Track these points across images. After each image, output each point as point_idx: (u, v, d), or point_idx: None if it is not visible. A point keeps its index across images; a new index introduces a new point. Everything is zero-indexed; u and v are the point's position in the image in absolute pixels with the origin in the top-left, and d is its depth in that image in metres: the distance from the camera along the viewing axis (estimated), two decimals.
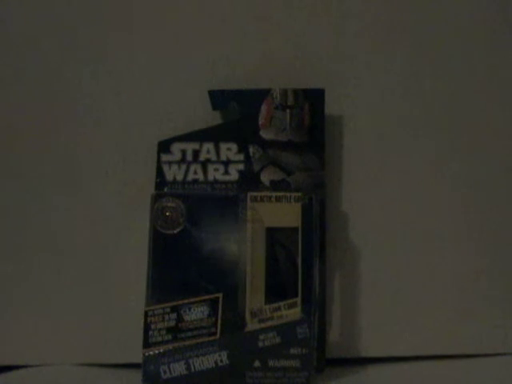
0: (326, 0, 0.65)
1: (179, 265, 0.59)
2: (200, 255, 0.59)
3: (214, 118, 0.63)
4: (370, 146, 0.64)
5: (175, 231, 0.59)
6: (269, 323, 0.58)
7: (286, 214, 0.59)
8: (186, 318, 0.58)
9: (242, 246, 0.59)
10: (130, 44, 0.65)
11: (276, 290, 0.58)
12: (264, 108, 0.62)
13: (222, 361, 0.58)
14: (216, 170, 0.61)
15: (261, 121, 0.62)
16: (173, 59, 0.65)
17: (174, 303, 0.58)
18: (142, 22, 0.65)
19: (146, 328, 0.58)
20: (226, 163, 0.61)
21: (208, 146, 0.62)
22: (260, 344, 0.58)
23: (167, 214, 0.59)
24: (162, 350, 0.58)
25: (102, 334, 0.63)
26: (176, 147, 0.61)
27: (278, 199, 0.59)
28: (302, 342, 0.58)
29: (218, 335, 0.58)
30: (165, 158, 0.61)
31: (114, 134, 0.64)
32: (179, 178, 0.61)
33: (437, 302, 0.63)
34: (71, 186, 0.64)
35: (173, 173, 0.61)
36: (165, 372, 0.58)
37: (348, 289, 0.63)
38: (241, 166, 0.61)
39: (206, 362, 0.57)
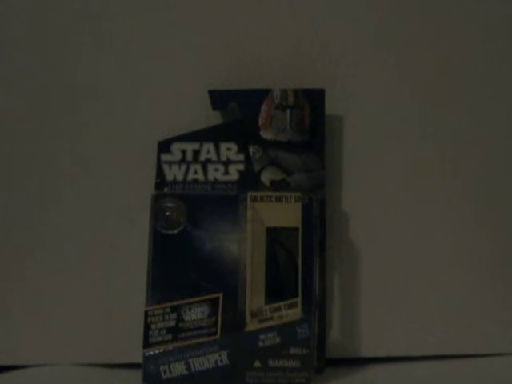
0: (326, 0, 0.65)
1: (179, 265, 0.59)
2: (200, 255, 0.59)
3: (214, 118, 0.63)
4: (369, 145, 0.64)
5: (175, 231, 0.59)
6: (269, 323, 0.58)
7: (286, 213, 0.59)
8: (186, 317, 0.58)
9: (242, 246, 0.59)
10: (130, 44, 0.65)
11: (276, 290, 0.59)
12: (264, 108, 0.62)
13: (222, 361, 0.58)
14: (216, 170, 0.61)
15: (261, 121, 0.62)
16: (173, 59, 0.65)
17: (174, 303, 0.58)
18: (143, 21, 0.65)
19: (146, 328, 0.58)
20: (226, 163, 0.61)
21: (208, 146, 0.61)
22: (260, 344, 0.58)
23: (167, 214, 0.59)
24: (162, 350, 0.58)
25: (102, 334, 0.63)
26: (176, 147, 0.61)
27: (278, 199, 0.59)
28: (302, 341, 0.58)
29: (218, 335, 0.58)
30: (165, 157, 0.61)
31: (114, 134, 0.64)
32: (179, 177, 0.61)
33: (437, 302, 0.63)
34: (71, 187, 0.64)
35: (173, 173, 0.61)
36: (165, 372, 0.58)
37: (348, 289, 0.63)
38: (241, 166, 0.61)
39: (206, 361, 0.57)
